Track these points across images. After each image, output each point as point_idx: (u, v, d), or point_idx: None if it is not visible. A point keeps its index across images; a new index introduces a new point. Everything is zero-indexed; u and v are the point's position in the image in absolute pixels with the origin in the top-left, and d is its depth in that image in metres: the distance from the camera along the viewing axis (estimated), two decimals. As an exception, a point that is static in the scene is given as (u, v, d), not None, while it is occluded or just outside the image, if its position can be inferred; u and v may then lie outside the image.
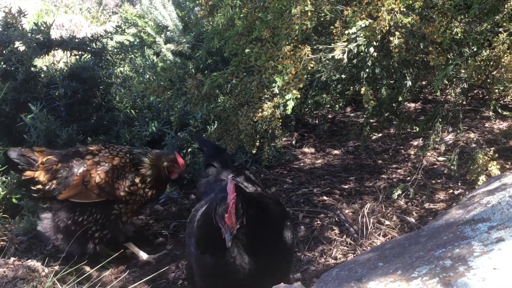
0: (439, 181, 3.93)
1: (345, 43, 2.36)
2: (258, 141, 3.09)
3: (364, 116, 3.76)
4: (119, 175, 3.27)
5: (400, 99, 3.16)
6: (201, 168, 2.99)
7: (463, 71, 2.56)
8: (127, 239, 3.47)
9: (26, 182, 3.23)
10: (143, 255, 3.49)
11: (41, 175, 3.20)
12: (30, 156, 3.21)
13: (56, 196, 3.20)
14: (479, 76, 2.53)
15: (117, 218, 3.30)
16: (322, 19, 2.72)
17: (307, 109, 4.28)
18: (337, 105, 3.68)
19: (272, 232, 2.23)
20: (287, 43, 2.36)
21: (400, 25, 2.32)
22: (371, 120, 3.66)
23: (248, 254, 2.10)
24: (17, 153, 3.21)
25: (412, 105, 5.61)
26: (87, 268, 3.29)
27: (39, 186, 3.20)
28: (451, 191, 3.76)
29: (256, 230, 2.11)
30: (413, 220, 3.39)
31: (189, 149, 4.40)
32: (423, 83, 3.70)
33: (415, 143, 4.72)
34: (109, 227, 3.29)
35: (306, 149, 4.95)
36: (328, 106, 3.95)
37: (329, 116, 5.66)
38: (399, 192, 3.25)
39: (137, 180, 3.31)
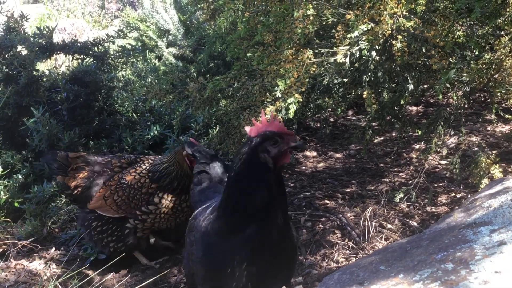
0: (441, 184, 3.92)
1: (347, 47, 2.36)
2: (260, 144, 3.08)
3: (366, 119, 3.77)
4: (135, 194, 3.27)
5: (402, 102, 3.16)
6: (193, 174, 2.94)
7: (465, 74, 2.56)
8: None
9: (60, 183, 3.56)
10: (145, 261, 3.49)
11: (69, 181, 3.40)
12: (63, 162, 3.41)
13: (86, 203, 3.36)
14: (481, 80, 2.53)
15: (131, 233, 3.33)
16: (324, 23, 2.73)
17: (309, 112, 4.28)
18: (339, 109, 3.68)
19: (276, 236, 2.22)
20: (289, 47, 2.37)
21: (403, 29, 2.33)
22: (373, 124, 3.66)
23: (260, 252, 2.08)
24: (52, 158, 3.44)
25: (414, 108, 5.61)
26: (89, 272, 3.29)
27: (69, 191, 3.43)
28: (453, 194, 3.75)
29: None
30: (415, 223, 3.38)
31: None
32: (425, 86, 3.71)
33: (417, 146, 4.71)
34: (123, 241, 3.34)
35: (308, 153, 4.95)
36: (330, 109, 3.96)
37: (331, 119, 5.66)
38: (401, 195, 3.24)
39: (156, 199, 3.27)
